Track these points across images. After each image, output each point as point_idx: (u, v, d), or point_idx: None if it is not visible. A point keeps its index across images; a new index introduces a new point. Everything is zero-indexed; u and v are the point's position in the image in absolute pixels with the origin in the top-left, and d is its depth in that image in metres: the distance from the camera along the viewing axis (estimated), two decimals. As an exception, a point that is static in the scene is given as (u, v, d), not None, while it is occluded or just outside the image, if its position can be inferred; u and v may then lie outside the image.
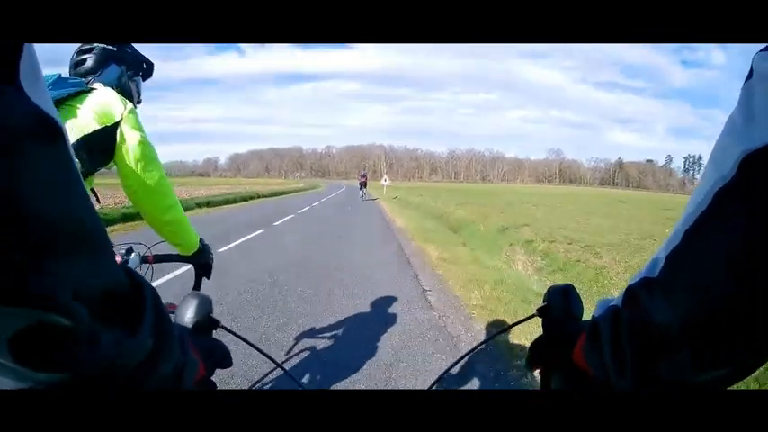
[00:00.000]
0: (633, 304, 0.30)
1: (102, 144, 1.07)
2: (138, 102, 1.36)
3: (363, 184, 20.27)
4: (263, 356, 0.51)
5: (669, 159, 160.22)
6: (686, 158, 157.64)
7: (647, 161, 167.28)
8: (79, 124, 1.03)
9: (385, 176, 25.91)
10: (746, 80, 0.25)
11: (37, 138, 0.18)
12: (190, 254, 1.28)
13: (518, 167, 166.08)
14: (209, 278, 1.33)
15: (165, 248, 1.33)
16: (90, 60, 1.20)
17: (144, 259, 1.29)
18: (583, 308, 0.42)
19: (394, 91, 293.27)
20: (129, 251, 1.25)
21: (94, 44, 1.22)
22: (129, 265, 1.09)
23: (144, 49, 1.37)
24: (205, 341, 0.40)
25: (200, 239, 1.30)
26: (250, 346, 0.50)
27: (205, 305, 0.41)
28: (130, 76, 1.30)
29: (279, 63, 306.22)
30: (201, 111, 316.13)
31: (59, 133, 0.19)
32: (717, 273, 0.24)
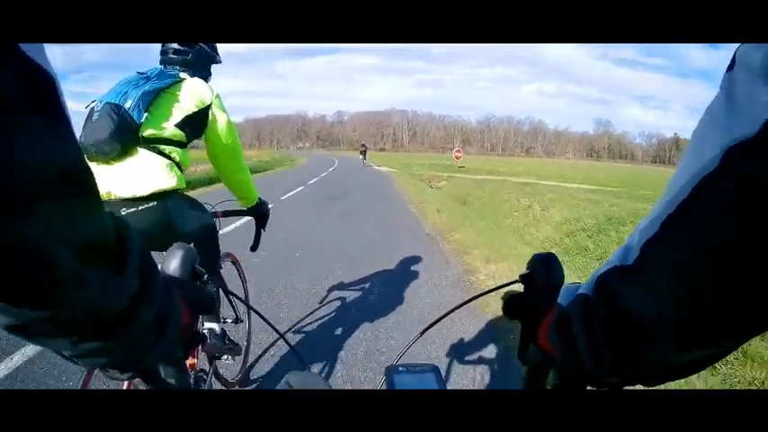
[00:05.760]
0: (606, 293, 0.30)
1: (198, 122, 1.44)
2: None
3: (363, 153, 26.88)
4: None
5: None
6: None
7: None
8: (182, 107, 1.39)
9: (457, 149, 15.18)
10: (728, 70, 0.24)
11: (28, 88, 0.18)
12: (251, 206, 1.66)
13: (562, 139, 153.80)
14: (265, 228, 1.73)
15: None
16: (191, 56, 1.52)
17: (213, 215, 1.61)
18: (564, 275, 0.43)
19: (408, 64, 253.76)
20: None
21: (194, 43, 1.50)
22: None
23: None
24: (189, 288, 0.41)
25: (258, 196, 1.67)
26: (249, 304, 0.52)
27: (190, 256, 0.42)
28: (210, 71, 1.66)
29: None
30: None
31: (52, 84, 0.20)
32: (697, 261, 0.24)
